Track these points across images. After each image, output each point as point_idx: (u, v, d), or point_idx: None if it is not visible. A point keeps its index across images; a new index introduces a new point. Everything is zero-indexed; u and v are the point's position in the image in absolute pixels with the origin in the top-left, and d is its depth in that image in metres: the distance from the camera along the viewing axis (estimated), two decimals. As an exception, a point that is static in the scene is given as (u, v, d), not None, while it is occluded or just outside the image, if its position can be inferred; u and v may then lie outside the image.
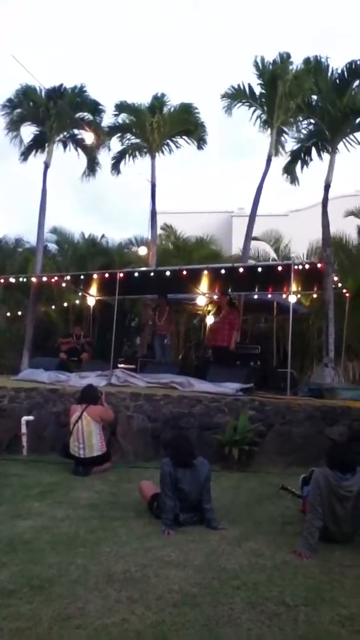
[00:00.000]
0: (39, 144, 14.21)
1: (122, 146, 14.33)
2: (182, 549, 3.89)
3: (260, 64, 12.28)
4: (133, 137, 14.25)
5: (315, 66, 11.75)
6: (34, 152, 14.24)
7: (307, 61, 11.94)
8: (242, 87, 12.65)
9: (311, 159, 12.58)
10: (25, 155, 14.24)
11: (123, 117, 13.97)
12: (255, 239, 13.78)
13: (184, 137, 14.32)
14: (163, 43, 69.50)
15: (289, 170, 12.94)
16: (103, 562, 3.61)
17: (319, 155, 12.29)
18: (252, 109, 12.87)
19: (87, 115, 14.04)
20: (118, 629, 2.74)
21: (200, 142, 14.23)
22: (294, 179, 13.04)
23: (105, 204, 52.73)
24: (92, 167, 14.74)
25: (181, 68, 63.87)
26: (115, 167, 14.51)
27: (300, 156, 12.68)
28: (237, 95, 12.77)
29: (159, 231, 15.79)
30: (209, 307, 12.84)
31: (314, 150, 12.46)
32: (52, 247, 16.90)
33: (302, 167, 12.81)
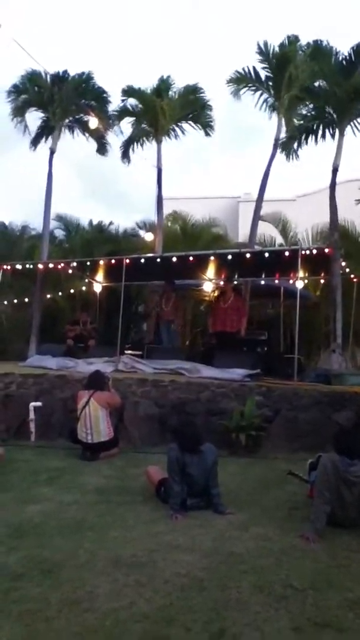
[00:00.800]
0: (46, 130, 14.11)
1: (130, 132, 14.24)
2: (189, 533, 3.91)
3: (264, 48, 12.15)
4: (140, 122, 14.15)
5: (315, 50, 11.60)
6: (44, 139, 14.10)
7: (308, 46, 11.83)
8: (247, 71, 12.51)
9: (306, 143, 12.35)
10: (34, 143, 14.10)
11: (130, 102, 13.88)
12: (261, 218, 13.67)
13: (190, 122, 14.19)
14: (164, 38, 68.81)
15: (286, 146, 12.72)
16: (111, 547, 3.64)
17: (324, 137, 12.11)
18: (259, 93, 12.74)
19: (92, 103, 13.93)
20: (126, 613, 2.76)
21: (207, 128, 14.07)
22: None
23: (113, 189, 52.57)
24: (102, 148, 14.65)
25: (185, 58, 63.18)
26: (125, 155, 14.43)
27: (297, 136, 12.49)
28: (242, 80, 12.63)
29: (170, 216, 15.76)
30: (216, 293, 12.79)
31: (318, 132, 12.22)
32: (59, 233, 16.87)
33: (298, 146, 12.61)
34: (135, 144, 14.33)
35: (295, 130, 12.48)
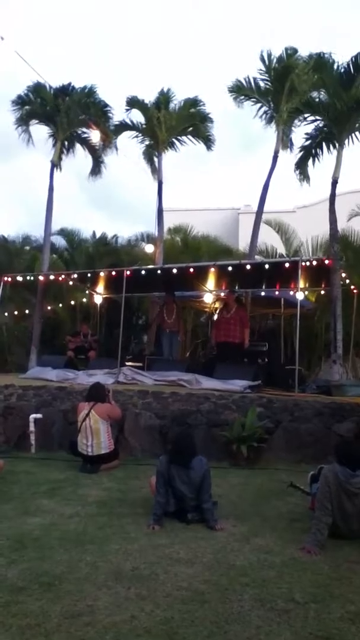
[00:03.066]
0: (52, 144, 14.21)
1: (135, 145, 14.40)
2: (190, 546, 3.89)
3: (267, 58, 12.26)
4: (140, 135, 14.29)
5: (317, 61, 11.67)
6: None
7: (310, 57, 11.89)
8: (248, 81, 12.63)
9: (322, 154, 12.37)
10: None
11: (130, 116, 14.05)
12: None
13: (189, 136, 14.32)
14: (164, 45, 69.65)
15: (301, 167, 12.71)
16: (112, 559, 3.61)
17: (328, 150, 12.17)
18: (259, 105, 12.85)
19: (95, 117, 14.05)
20: (127, 626, 2.74)
21: (208, 142, 14.19)
22: (305, 177, 12.78)
23: (117, 200, 53.01)
24: (97, 167, 14.77)
25: (184, 70, 63.93)
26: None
27: (311, 152, 12.50)
28: (242, 90, 12.74)
29: (168, 228, 15.84)
30: (217, 305, 12.83)
31: (323, 146, 12.27)
32: (61, 244, 16.94)
33: (313, 163, 12.62)
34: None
35: (303, 149, 12.47)
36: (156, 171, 14.34)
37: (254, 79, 12.59)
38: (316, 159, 12.43)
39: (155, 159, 14.35)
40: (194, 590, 3.17)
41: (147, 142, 14.32)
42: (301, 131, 12.83)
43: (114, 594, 3.10)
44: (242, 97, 12.83)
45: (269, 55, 12.27)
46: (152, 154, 14.41)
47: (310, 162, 12.55)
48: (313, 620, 2.85)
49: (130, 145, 14.63)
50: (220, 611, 2.91)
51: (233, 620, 2.82)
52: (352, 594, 3.18)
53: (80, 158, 14.81)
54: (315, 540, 3.86)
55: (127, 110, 13.93)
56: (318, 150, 12.30)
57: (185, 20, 68.78)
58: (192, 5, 68.95)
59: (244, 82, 12.68)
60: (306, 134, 12.38)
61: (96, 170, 14.78)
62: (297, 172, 12.74)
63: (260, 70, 12.44)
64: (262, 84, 12.59)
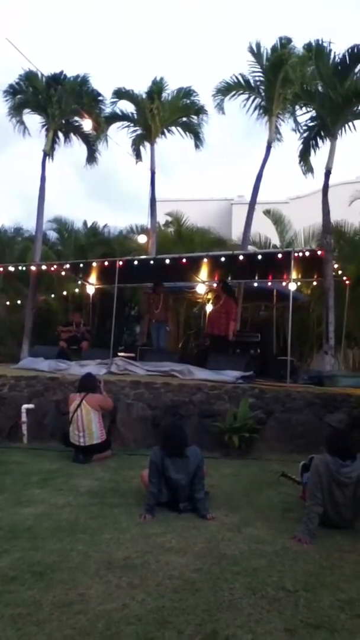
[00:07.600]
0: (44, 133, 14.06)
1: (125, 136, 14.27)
2: (182, 535, 3.91)
3: (256, 49, 12.17)
4: (132, 125, 14.20)
5: (316, 51, 11.56)
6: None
7: (308, 46, 11.77)
8: (237, 80, 12.53)
9: (317, 146, 12.30)
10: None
11: (122, 106, 13.94)
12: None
13: (179, 128, 14.25)
14: (161, 43, 69.21)
15: (304, 158, 12.59)
16: (104, 549, 3.62)
17: (323, 141, 12.12)
18: (251, 98, 12.75)
19: (87, 105, 13.92)
20: (119, 615, 2.75)
21: (198, 141, 14.13)
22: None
23: (113, 190, 52.84)
24: (92, 156, 14.66)
25: (180, 67, 63.58)
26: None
27: (309, 143, 12.40)
28: (231, 88, 12.65)
29: (164, 218, 15.77)
30: (209, 295, 12.82)
31: (317, 137, 12.19)
32: (53, 235, 16.85)
33: (315, 153, 12.52)
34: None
35: (305, 139, 12.35)
36: (140, 159, 14.33)
37: (242, 75, 12.50)
38: (315, 149, 12.33)
39: (144, 149, 14.30)
40: (185, 579, 3.19)
41: (138, 132, 14.22)
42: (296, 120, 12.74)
43: (106, 583, 3.11)
44: (232, 95, 12.74)
45: (258, 46, 12.18)
46: (141, 143, 14.34)
47: (312, 152, 12.43)
48: (303, 608, 2.87)
49: (124, 135, 14.47)
50: (211, 600, 2.93)
51: (224, 609, 2.84)
52: (343, 582, 3.21)
53: (77, 149, 14.71)
54: (306, 530, 3.89)
55: (114, 101, 13.85)
56: (315, 140, 12.22)
57: (184, 19, 68.38)
58: (191, 4, 68.48)
59: (232, 80, 12.58)
60: (305, 125, 12.29)
61: (91, 158, 14.68)
62: (301, 164, 12.62)
63: (252, 60, 12.34)
64: (252, 76, 12.51)
